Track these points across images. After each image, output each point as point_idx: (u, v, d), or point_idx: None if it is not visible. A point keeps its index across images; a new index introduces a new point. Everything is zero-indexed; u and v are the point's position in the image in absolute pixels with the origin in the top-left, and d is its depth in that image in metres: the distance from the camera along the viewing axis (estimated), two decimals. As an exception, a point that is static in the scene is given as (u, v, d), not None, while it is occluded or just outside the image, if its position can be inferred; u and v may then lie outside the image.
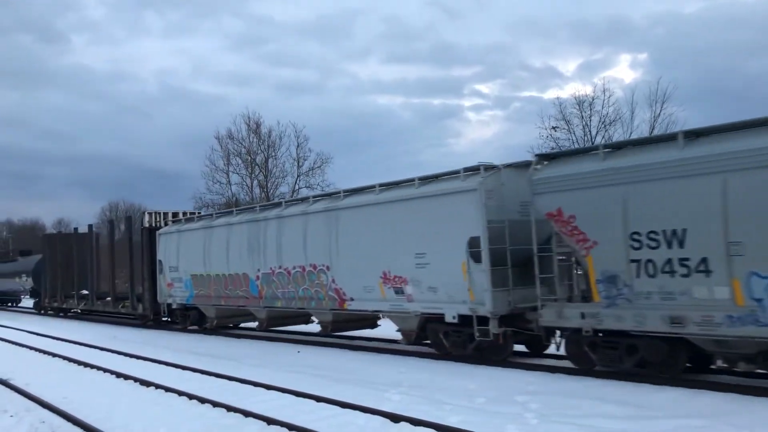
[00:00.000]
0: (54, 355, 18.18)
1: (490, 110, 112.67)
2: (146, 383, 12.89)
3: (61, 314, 36.47)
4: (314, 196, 19.24)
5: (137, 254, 27.09)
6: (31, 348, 20.22)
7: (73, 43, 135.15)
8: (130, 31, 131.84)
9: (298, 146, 46.40)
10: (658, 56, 77.33)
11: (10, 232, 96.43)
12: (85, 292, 33.04)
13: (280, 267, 18.33)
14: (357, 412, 9.81)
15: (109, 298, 30.45)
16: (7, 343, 22.17)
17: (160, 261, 24.13)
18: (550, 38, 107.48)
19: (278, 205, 19.87)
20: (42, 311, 38.71)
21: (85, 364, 15.97)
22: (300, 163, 46.42)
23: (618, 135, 33.08)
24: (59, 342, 22.13)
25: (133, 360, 16.84)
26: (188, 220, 24.06)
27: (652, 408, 9.65)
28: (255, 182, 47.17)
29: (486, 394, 10.91)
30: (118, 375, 14.12)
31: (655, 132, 31.64)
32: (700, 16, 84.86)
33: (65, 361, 17.02)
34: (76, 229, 41.16)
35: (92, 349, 19.42)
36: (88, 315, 34.21)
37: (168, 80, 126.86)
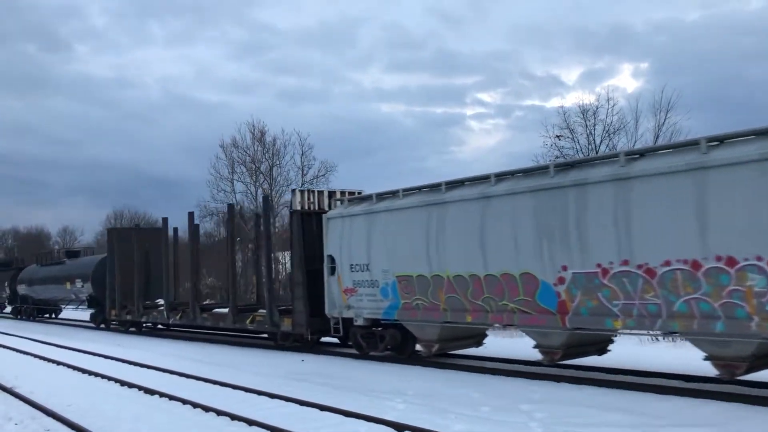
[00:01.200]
0: (58, 363, 18.21)
1: (492, 119, 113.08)
2: (151, 391, 12.90)
3: (132, 329, 29.21)
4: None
5: (265, 248, 21.23)
6: (36, 356, 20.24)
7: (76, 51, 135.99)
8: (133, 39, 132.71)
9: (302, 154, 46.37)
10: (660, 64, 77.47)
11: (16, 240, 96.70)
12: (160, 301, 27.41)
13: (625, 263, 11.36)
14: (361, 421, 9.80)
15: (221, 310, 23.49)
16: (8, 350, 22.20)
17: (330, 257, 17.17)
18: (551, 46, 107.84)
19: (609, 158, 12.33)
20: (102, 325, 31.95)
21: (90, 372, 15.99)
22: (304, 172, 46.41)
23: (622, 143, 33.01)
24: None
25: (137, 368, 16.86)
26: (381, 197, 16.48)
27: (657, 416, 9.63)
28: (259, 190, 47.19)
29: (490, 402, 10.90)
30: (123, 383, 14.13)
31: (660, 141, 31.57)
32: (702, 23, 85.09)
33: (70, 369, 17.04)
34: (137, 224, 34.40)
35: (97, 357, 19.44)
36: (168, 331, 27.64)
37: (171, 88, 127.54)
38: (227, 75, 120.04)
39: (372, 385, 12.87)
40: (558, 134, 34.91)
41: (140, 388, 13.37)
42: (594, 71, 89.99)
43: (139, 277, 27.80)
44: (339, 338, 18.52)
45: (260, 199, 46.42)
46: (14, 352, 21.79)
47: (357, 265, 16.52)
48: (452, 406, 10.68)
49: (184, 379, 14.69)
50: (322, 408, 10.68)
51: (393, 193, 16.15)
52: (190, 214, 26.01)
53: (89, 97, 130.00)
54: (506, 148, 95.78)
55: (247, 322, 20.81)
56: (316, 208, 18.65)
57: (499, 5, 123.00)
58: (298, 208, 18.55)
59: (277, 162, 47.09)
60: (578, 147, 34.58)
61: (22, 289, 42.86)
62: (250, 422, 9.91)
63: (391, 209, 15.80)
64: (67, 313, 43.15)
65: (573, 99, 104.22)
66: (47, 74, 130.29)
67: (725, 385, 11.45)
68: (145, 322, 28.30)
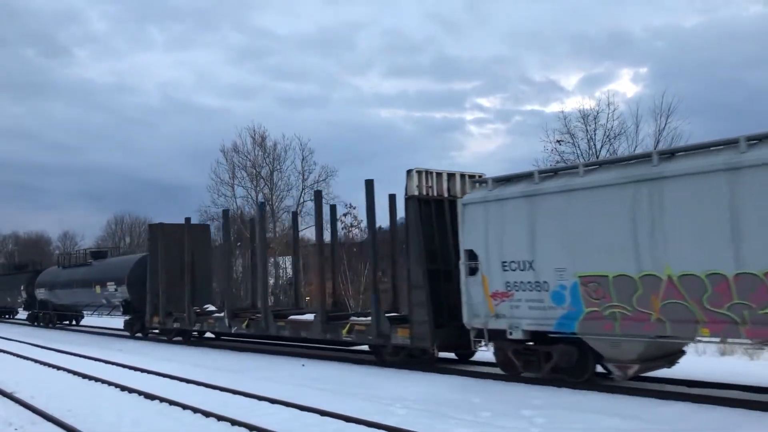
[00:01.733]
0: (59, 368, 18.19)
1: (491, 123, 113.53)
2: (151, 396, 12.89)
3: (177, 338, 25.25)
4: None
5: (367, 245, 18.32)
6: (35, 361, 20.22)
7: (76, 57, 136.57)
8: (132, 45, 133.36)
9: (303, 159, 46.47)
10: (660, 69, 77.65)
11: (16, 245, 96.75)
12: (209, 307, 24.57)
13: None
14: (362, 427, 9.79)
15: (301, 317, 19.39)
16: (7, 355, 22.18)
17: (469, 253, 13.95)
18: (550, 52, 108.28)
19: None
20: (139, 333, 28.28)
21: (90, 377, 15.98)
22: (305, 176, 46.46)
23: (623, 148, 33.07)
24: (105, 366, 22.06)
25: (138, 373, 16.84)
26: (546, 175, 13.27)
27: (658, 421, 9.62)
28: (260, 195, 47.22)
29: (491, 408, 10.89)
30: (123, 388, 14.12)
31: (660, 145, 31.61)
32: (701, 29, 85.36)
33: (70, 374, 17.03)
34: (161, 223, 26.68)
35: (97, 362, 19.42)
36: (228, 342, 24.37)
37: (171, 92, 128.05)
38: (227, 80, 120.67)
39: (373, 391, 12.85)
40: (558, 139, 34.98)
41: (140, 392, 13.36)
42: (593, 76, 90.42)
43: (189, 279, 24.12)
44: (458, 354, 16.56)
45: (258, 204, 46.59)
46: (14, 357, 21.77)
47: (513, 262, 13.16)
48: (453, 412, 10.67)
49: (184, 384, 14.67)
50: (323, 413, 10.66)
51: (567, 169, 13.23)
52: (225, 212, 24.81)
53: (89, 103, 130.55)
54: (506, 153, 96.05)
55: (343, 332, 17.15)
56: (434, 194, 15.64)
57: (498, 11, 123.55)
58: (415, 193, 15.24)
59: (278, 167, 47.18)
60: (579, 152, 34.64)
61: (41, 293, 38.88)
62: (251, 427, 9.90)
63: (569, 189, 12.33)
64: (91, 320, 40.10)
65: (573, 104, 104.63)
66: (46, 79, 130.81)
67: (727, 391, 11.46)
68: (198, 331, 24.42)
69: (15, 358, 21.70)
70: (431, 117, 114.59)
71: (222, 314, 22.18)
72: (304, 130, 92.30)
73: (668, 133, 32.24)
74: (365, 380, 14.29)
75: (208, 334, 25.22)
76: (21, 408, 12.53)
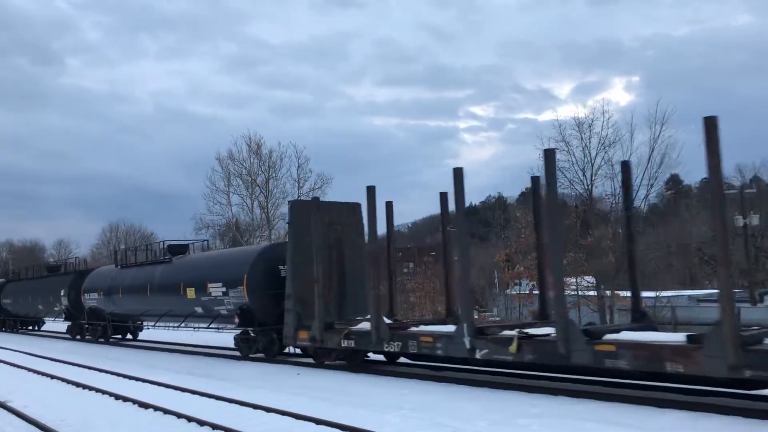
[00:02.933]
0: (53, 377, 18.05)
1: (485, 132, 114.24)
2: (145, 405, 12.78)
3: (342, 361, 17.90)
4: None
5: None
6: (30, 370, 20.08)
7: (69, 65, 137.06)
8: (125, 54, 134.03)
9: (299, 167, 46.53)
10: (651, 78, 78.24)
11: (11, 253, 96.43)
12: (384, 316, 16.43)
13: None
14: (358, 435, 9.71)
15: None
16: (3, 365, 22.02)
17: None
18: (541, 61, 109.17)
19: None
20: (259, 354, 20.78)
21: (84, 386, 15.86)
22: (300, 184, 46.47)
23: (618, 156, 33.09)
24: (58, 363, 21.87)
25: (132, 381, 16.72)
26: None
27: (656, 430, 9.56)
28: (255, 203, 47.19)
29: (488, 416, 10.82)
30: (117, 397, 14.01)
31: (654, 154, 31.68)
32: (690, 38, 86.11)
33: (64, 383, 16.90)
34: (316, 198, 22.51)
35: (91, 371, 19.29)
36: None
37: (165, 101, 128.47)
38: (220, 89, 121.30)
39: (368, 399, 12.77)
40: (553, 147, 35.00)
41: (134, 401, 13.25)
42: (586, 85, 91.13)
43: (369, 278, 17.08)
44: None
45: (256, 212, 46.62)
46: (9, 366, 21.62)
47: None
48: (450, 420, 10.59)
49: (179, 393, 14.56)
50: (318, 422, 10.58)
51: None
52: (370, 188, 16.66)
53: (83, 111, 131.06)
54: (500, 161, 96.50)
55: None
56: None
57: (489, 21, 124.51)
58: None
59: (274, 174, 47.22)
60: (573, 159, 34.70)
61: (91, 299, 31.05)
62: (246, 437, 9.82)
63: None
64: (155, 333, 32.91)
65: (566, 112, 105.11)
66: (40, 88, 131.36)
67: (725, 399, 11.39)
68: (391, 353, 16.60)
69: (9, 366, 21.53)
70: (425, 125, 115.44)
71: (450, 330, 14.66)
72: (298, 139, 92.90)
73: (663, 141, 32.35)
74: (361, 389, 14.20)
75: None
76: (14, 417, 12.42)
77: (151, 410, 12.44)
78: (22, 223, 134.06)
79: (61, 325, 38.97)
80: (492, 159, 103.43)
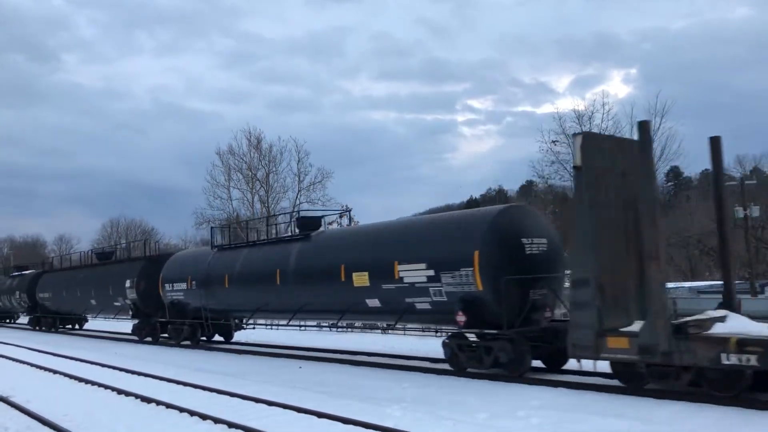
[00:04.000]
0: (55, 371, 18.12)
1: (483, 125, 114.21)
2: (147, 400, 12.84)
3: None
4: None
5: None
6: (32, 364, 20.15)
7: (64, 62, 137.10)
8: (121, 50, 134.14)
9: (299, 161, 46.55)
10: (648, 71, 78.16)
11: (12, 249, 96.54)
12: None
13: None
14: (359, 428, 9.76)
15: None
16: (5, 359, 22.08)
17: None
18: (538, 54, 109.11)
19: None
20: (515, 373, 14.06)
21: (87, 381, 15.91)
22: (301, 178, 46.49)
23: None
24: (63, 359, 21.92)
25: (134, 376, 16.78)
26: None
27: (657, 422, 9.60)
28: (256, 197, 47.23)
29: (489, 409, 10.87)
30: (120, 392, 14.06)
31: (654, 146, 31.66)
32: (688, 32, 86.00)
33: (67, 378, 16.96)
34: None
35: (94, 366, 19.36)
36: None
37: (161, 97, 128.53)
38: (217, 84, 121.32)
39: (370, 392, 12.83)
40: (554, 140, 35.06)
41: (137, 396, 13.30)
42: (584, 78, 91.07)
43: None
44: None
45: (256, 206, 46.59)
46: (10, 361, 21.68)
47: None
48: (450, 413, 10.64)
49: (181, 387, 14.62)
50: (320, 415, 10.63)
51: None
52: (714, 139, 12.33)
53: (79, 107, 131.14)
54: (499, 154, 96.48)
55: None
56: None
57: (484, 15, 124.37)
58: None
59: (274, 169, 47.23)
60: (574, 152, 34.62)
61: (176, 292, 24.45)
62: (248, 430, 9.87)
63: None
64: (266, 334, 25.82)
65: (564, 105, 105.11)
66: (36, 84, 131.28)
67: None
68: None
69: (10, 362, 21.58)
70: (423, 119, 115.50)
71: None
72: (296, 133, 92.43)
73: (662, 134, 32.37)
74: (362, 382, 14.26)
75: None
76: (17, 412, 12.48)
77: (153, 404, 12.50)
78: (21, 219, 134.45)
79: (102, 323, 35.88)
80: (490, 152, 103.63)
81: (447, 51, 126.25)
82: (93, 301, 31.12)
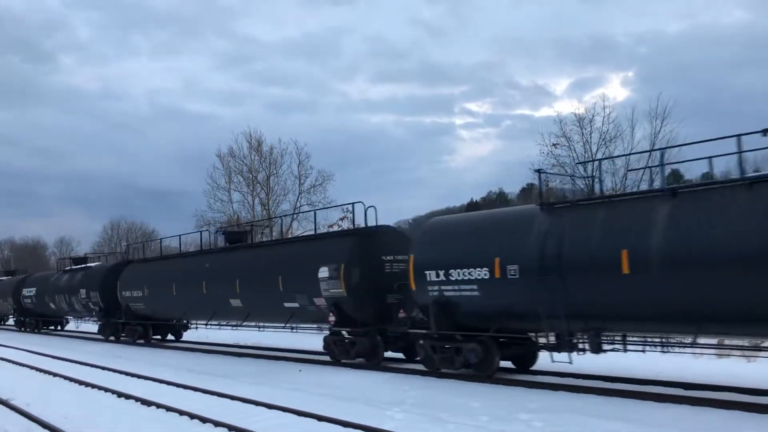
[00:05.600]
0: (55, 374, 18.11)
1: (481, 128, 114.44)
2: (147, 402, 12.82)
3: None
4: None
5: None
6: (32, 367, 20.13)
7: (61, 63, 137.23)
8: (117, 51, 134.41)
9: (299, 164, 46.49)
10: (645, 73, 78.26)
11: (12, 251, 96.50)
12: None
13: None
14: (359, 431, 9.75)
15: None
16: (6, 362, 22.07)
17: None
18: (535, 57, 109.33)
19: None
20: None
21: (87, 384, 15.90)
22: (301, 181, 46.46)
23: (619, 150, 33.13)
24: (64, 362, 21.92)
25: (134, 379, 16.77)
26: None
27: (658, 425, 9.58)
28: (256, 200, 47.21)
29: (489, 412, 10.85)
30: (120, 394, 14.05)
31: (656, 146, 31.65)
32: (684, 34, 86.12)
33: (66, 381, 16.95)
34: None
35: (95, 369, 19.36)
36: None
37: (159, 99, 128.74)
38: (214, 86, 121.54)
39: (370, 395, 12.81)
40: (554, 142, 35.02)
41: (137, 399, 13.29)
42: (582, 81, 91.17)
43: None
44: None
45: (257, 209, 46.59)
46: (11, 364, 21.68)
47: None
48: (451, 416, 10.63)
49: (181, 389, 14.60)
50: (320, 418, 10.61)
51: None
52: None
53: (76, 109, 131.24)
54: (498, 157, 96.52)
55: None
56: None
57: (479, 17, 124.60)
58: None
59: (275, 171, 47.19)
60: (575, 155, 34.69)
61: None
62: (248, 433, 9.85)
63: None
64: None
65: (562, 108, 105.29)
66: (33, 85, 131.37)
67: (725, 393, 11.44)
68: None
69: (11, 364, 21.57)
70: (421, 121, 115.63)
71: None
72: (295, 135, 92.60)
73: (663, 136, 32.32)
74: (362, 384, 14.24)
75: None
76: (17, 415, 12.46)
77: (153, 407, 12.48)
78: (21, 220, 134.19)
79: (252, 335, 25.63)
80: (490, 155, 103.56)
81: (443, 53, 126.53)
82: (239, 302, 20.92)
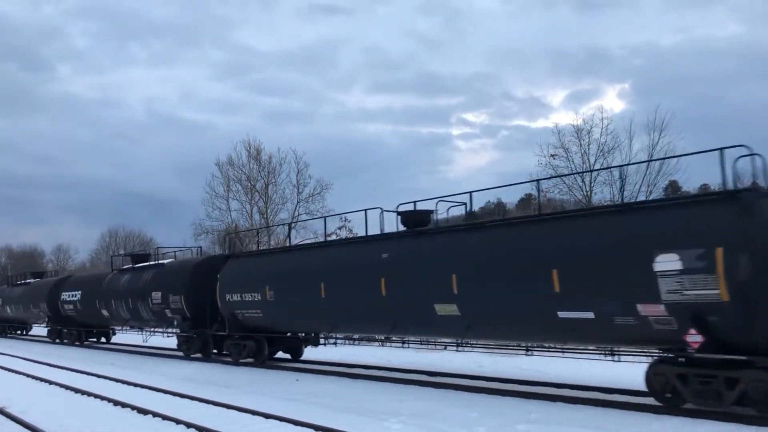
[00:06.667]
0: (51, 382, 18.05)
1: (478, 138, 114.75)
2: (144, 411, 12.78)
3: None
4: None
5: None
6: (27, 375, 20.07)
7: (58, 72, 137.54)
8: (115, 60, 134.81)
9: (298, 172, 46.54)
10: (641, 86, 78.55)
11: (9, 258, 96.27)
12: None
13: None
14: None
15: None
16: (3, 370, 22.00)
17: None
18: (531, 68, 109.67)
19: None
20: None
21: (83, 392, 15.85)
22: (300, 190, 46.49)
23: (617, 161, 33.21)
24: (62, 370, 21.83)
25: (131, 387, 16.71)
26: None
27: (654, 437, 9.57)
28: (255, 208, 47.22)
29: (487, 423, 10.83)
30: (116, 403, 14.00)
31: (653, 159, 31.71)
32: (678, 47, 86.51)
33: (62, 389, 16.89)
34: None
35: (90, 377, 19.30)
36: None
37: (156, 108, 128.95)
38: (211, 96, 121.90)
39: (367, 405, 12.78)
40: (553, 153, 35.14)
41: (134, 408, 13.24)
42: (579, 92, 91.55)
43: None
44: None
45: (255, 218, 46.56)
46: (7, 372, 21.61)
47: None
48: (448, 427, 10.60)
49: (177, 398, 14.56)
50: (317, 428, 10.58)
51: None
52: None
53: (73, 117, 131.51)
54: (495, 168, 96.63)
55: None
56: None
57: (475, 29, 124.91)
58: None
59: (273, 180, 47.22)
60: (573, 166, 34.80)
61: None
62: (245, 443, 9.80)
63: None
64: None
65: (558, 119, 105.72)
66: (30, 93, 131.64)
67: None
68: None
69: (6, 372, 21.51)
70: (418, 132, 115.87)
71: None
72: (292, 144, 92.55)
73: (661, 148, 32.42)
74: (360, 395, 14.21)
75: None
76: (13, 423, 12.41)
77: (150, 416, 12.45)
78: (18, 227, 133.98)
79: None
80: (487, 165, 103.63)
81: (439, 64, 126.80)
82: (454, 308, 14.34)
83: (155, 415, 12.36)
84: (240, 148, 47.97)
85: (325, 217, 22.79)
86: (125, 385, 17.12)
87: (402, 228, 16.66)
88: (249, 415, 12.10)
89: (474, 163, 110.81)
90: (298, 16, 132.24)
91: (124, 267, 29.95)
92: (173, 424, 11.57)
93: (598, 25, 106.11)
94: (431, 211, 16.36)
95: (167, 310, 24.09)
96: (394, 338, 18.28)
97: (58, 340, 36.37)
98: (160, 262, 27.46)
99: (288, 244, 23.33)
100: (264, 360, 20.73)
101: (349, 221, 35.96)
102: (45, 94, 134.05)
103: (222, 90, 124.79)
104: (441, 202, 15.58)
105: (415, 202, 16.46)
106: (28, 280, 42.70)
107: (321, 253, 19.01)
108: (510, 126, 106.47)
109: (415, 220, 16.42)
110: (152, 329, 28.45)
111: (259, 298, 19.82)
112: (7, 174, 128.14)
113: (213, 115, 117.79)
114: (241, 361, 21.26)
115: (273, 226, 42.21)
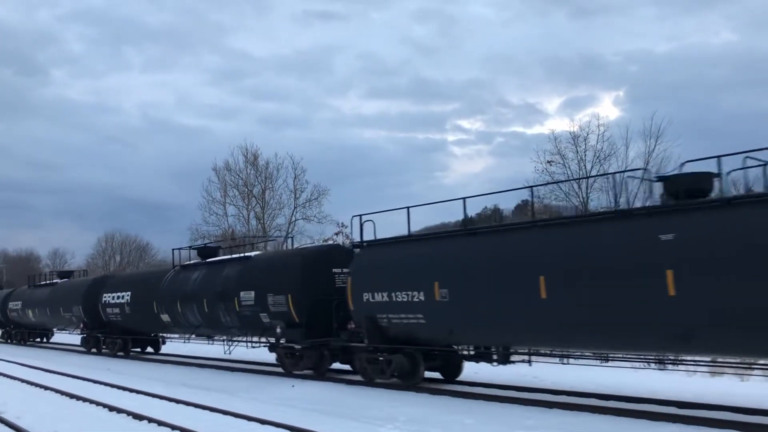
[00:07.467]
0: (46, 387, 17.97)
1: (474, 145, 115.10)
2: (139, 417, 12.72)
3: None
4: None
5: None
6: (22, 380, 19.98)
7: (53, 76, 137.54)
8: (110, 65, 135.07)
9: (295, 178, 46.51)
10: (635, 93, 78.86)
11: (5, 263, 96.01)
12: None
13: None
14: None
15: None
16: (-2, 376, 21.87)
17: None
18: (526, 74, 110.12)
19: None
20: None
21: (78, 397, 15.78)
22: (297, 195, 46.46)
23: (614, 168, 33.26)
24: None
25: (126, 393, 16.65)
26: None
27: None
28: (252, 214, 47.18)
29: (484, 429, 10.81)
30: (111, 408, 13.94)
31: (650, 167, 31.75)
32: (673, 55, 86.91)
33: (57, 394, 16.82)
34: None
35: (86, 382, 19.22)
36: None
37: (151, 112, 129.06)
38: (207, 100, 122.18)
39: (363, 411, 12.74)
40: (549, 160, 35.19)
41: (128, 413, 13.18)
42: (574, 99, 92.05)
43: None
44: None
45: (252, 223, 46.51)
46: (1, 377, 21.51)
47: None
48: (444, 433, 10.57)
49: (173, 404, 14.50)
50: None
51: None
52: None
53: (68, 121, 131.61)
54: (491, 174, 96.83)
55: None
56: None
57: (470, 35, 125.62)
58: None
59: (270, 185, 47.18)
60: (569, 173, 34.85)
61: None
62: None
63: None
64: None
65: (554, 126, 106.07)
66: (24, 98, 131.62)
67: (718, 412, 11.42)
68: None
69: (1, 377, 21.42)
70: (414, 138, 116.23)
71: None
72: (288, 149, 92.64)
73: (658, 155, 32.50)
74: (356, 401, 14.17)
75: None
76: (7, 429, 12.36)
77: (145, 422, 12.38)
78: (14, 232, 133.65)
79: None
80: (483, 172, 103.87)
81: (434, 71, 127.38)
82: None
83: (150, 420, 12.27)
84: (237, 153, 47.96)
85: (464, 199, 14.86)
86: (120, 390, 17.04)
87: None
88: (245, 421, 11.99)
89: (469, 170, 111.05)
90: (294, 21, 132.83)
91: (189, 262, 24.34)
92: (169, 429, 11.51)
93: (593, 32, 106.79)
94: (716, 174, 11.22)
95: (263, 315, 19.06)
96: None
97: (95, 350, 30.31)
98: (245, 255, 21.80)
99: (463, 226, 15.44)
100: (418, 381, 15.71)
101: (346, 227, 35.05)
102: (40, 99, 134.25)
103: (218, 95, 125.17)
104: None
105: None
106: (54, 281, 36.64)
107: (540, 235, 13.06)
108: (505, 132, 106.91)
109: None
110: (232, 338, 22.44)
111: (422, 298, 14.63)
112: (2, 178, 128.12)
113: (208, 121, 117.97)
114: (377, 381, 16.36)
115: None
